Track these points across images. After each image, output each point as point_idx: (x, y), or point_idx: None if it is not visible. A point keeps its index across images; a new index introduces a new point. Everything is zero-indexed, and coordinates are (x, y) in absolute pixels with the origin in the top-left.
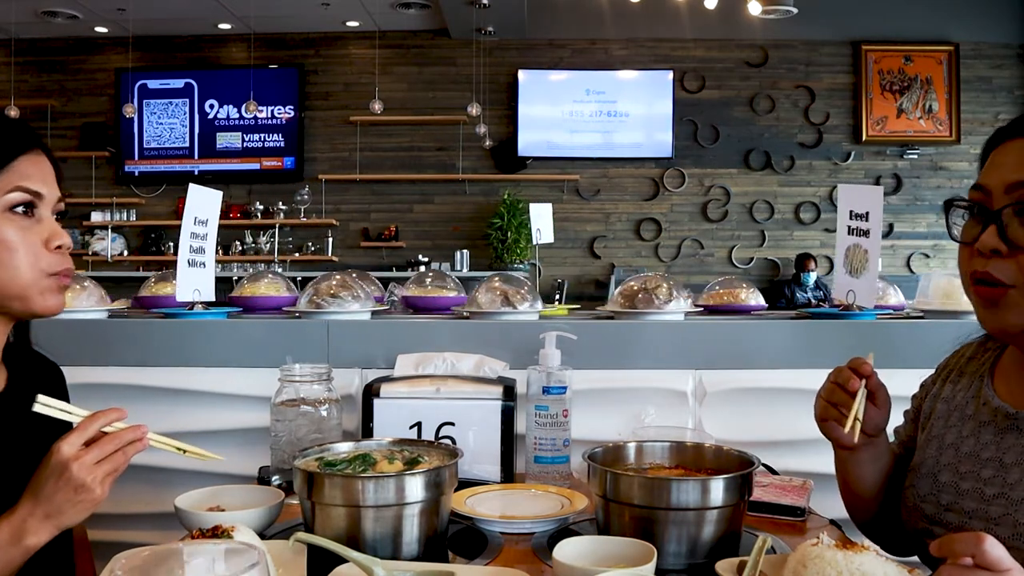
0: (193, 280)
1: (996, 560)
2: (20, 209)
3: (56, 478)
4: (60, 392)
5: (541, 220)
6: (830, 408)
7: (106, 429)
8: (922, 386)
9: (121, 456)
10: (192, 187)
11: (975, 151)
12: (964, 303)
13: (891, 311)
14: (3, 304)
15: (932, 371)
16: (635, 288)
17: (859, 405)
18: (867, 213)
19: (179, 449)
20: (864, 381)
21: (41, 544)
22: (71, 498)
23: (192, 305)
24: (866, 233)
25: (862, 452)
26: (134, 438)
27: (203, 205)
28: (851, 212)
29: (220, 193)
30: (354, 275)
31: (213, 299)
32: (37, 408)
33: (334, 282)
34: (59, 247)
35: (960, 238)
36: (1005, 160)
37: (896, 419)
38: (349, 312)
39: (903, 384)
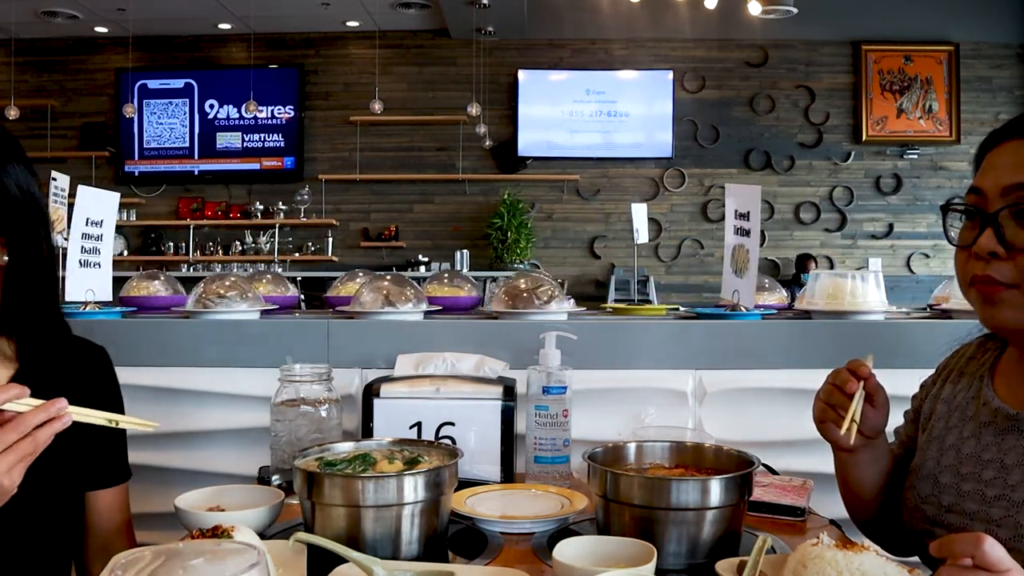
0: (86, 280)
1: (996, 561)
2: None
3: None
4: (107, 374)
5: (639, 220)
6: (828, 410)
7: (12, 407)
8: (922, 386)
9: (29, 443)
10: (82, 189)
11: (975, 151)
12: (847, 303)
13: (776, 310)
14: None
15: (932, 371)
16: (520, 288)
17: (856, 407)
18: (748, 213)
19: (109, 420)
20: (862, 383)
21: None
22: None
23: (85, 305)
24: (747, 233)
25: (861, 454)
26: (46, 418)
27: (96, 207)
28: (736, 212)
29: (117, 195)
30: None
31: (109, 299)
32: None
33: (227, 282)
34: None
35: (957, 241)
36: (1000, 162)
37: (896, 419)
38: (237, 312)
39: (903, 384)
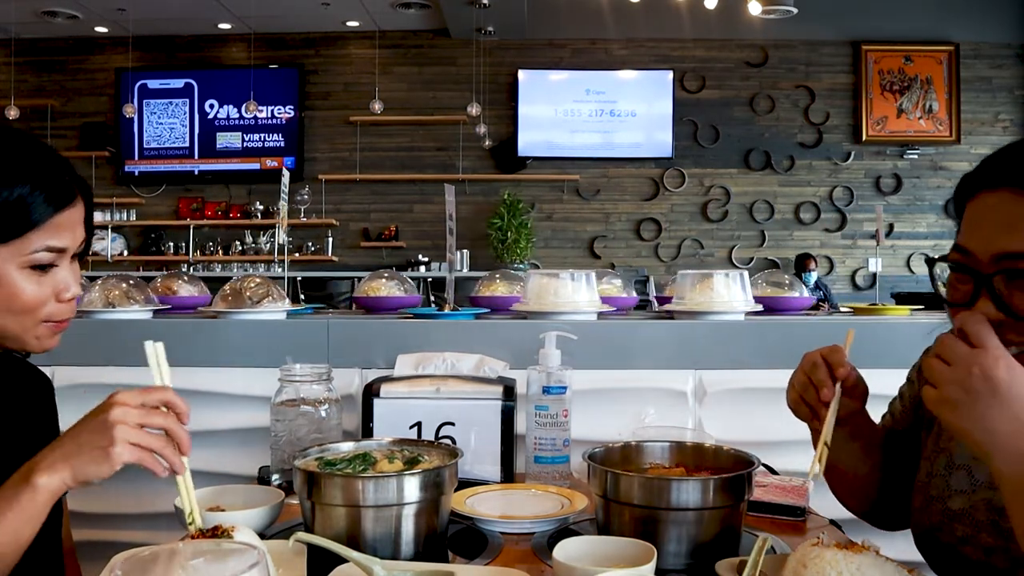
0: None
1: (976, 333)
2: (41, 266)
3: (94, 415)
4: (47, 403)
5: (879, 222)
6: (801, 404)
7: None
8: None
9: (158, 440)
10: None
11: (975, 151)
12: (549, 303)
13: (490, 310)
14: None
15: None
16: (236, 288)
17: (828, 429)
18: (452, 214)
19: (190, 516)
20: (839, 385)
21: (48, 488)
22: (94, 440)
23: None
24: (453, 232)
25: (838, 430)
26: (178, 440)
27: None
28: (449, 214)
29: None
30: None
31: None
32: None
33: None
34: (69, 298)
35: (948, 298)
36: (987, 219)
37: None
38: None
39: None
